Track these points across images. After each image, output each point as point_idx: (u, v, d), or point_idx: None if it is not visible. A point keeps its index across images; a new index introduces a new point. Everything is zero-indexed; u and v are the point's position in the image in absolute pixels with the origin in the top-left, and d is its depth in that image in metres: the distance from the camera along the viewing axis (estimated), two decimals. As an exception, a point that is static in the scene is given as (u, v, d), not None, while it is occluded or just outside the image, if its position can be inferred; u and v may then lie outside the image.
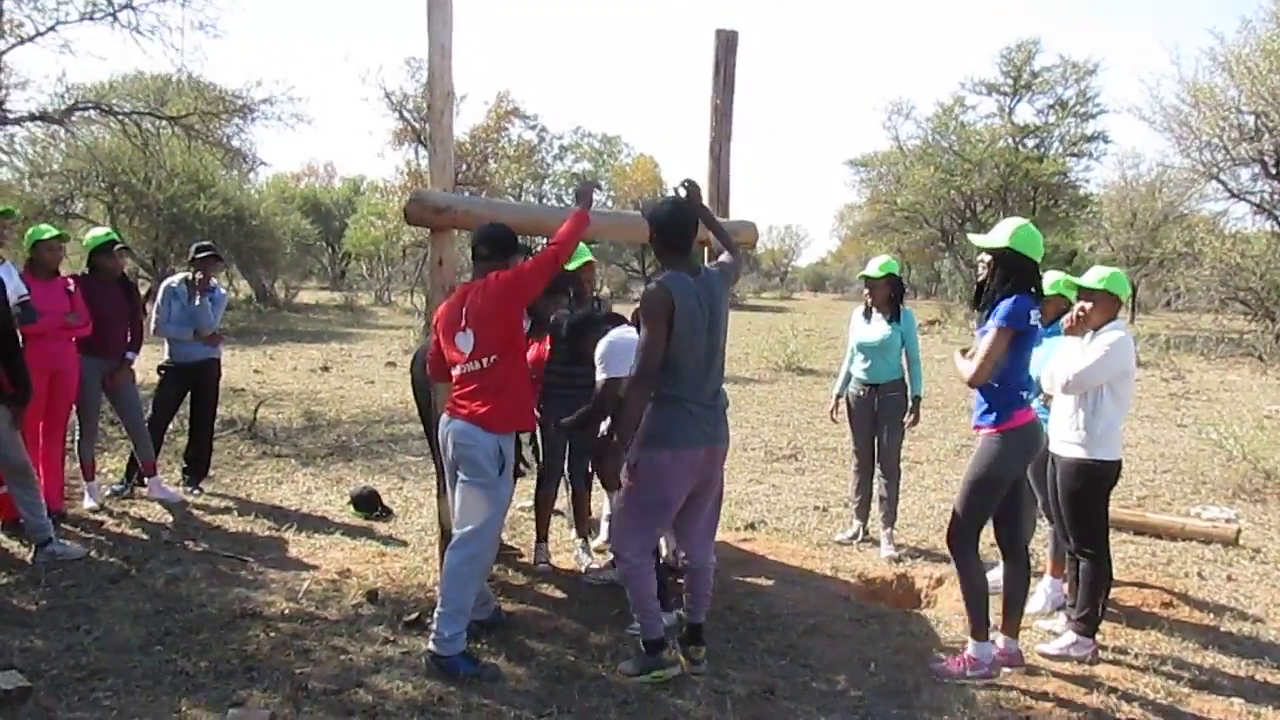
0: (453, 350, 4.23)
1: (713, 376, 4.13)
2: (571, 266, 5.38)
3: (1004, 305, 4.11)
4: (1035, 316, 4.16)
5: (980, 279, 4.33)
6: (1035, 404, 5.10)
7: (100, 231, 6.78)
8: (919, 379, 6.23)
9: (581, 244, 5.47)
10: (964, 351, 4.33)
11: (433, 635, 4.14)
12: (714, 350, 4.11)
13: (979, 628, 4.30)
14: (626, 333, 4.77)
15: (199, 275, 6.96)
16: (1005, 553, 4.49)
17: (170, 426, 7.36)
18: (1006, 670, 4.35)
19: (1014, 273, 4.17)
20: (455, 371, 4.24)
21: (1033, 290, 4.20)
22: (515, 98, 33.91)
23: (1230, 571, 5.97)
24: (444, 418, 4.30)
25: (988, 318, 4.19)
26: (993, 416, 4.20)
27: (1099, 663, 4.50)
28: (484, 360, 4.16)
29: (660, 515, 4.12)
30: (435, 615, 4.15)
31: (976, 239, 4.42)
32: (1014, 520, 4.48)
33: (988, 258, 4.29)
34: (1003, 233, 4.25)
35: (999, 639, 4.43)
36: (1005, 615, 4.46)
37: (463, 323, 4.18)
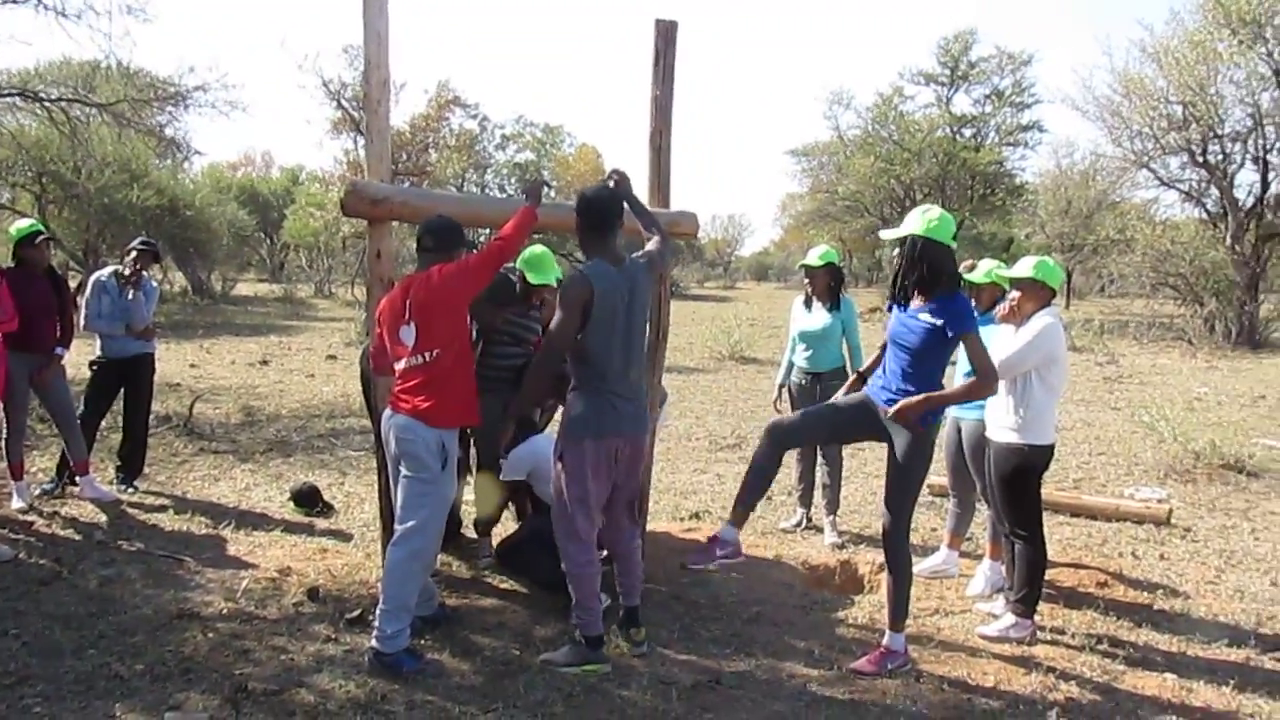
0: (396, 344, 4.18)
1: (634, 367, 4.18)
2: (536, 282, 5.31)
3: (959, 310, 4.07)
4: None
5: (897, 270, 4.31)
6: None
7: (25, 223, 6.57)
8: (860, 366, 6.27)
9: (553, 263, 5.41)
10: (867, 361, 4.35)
11: (375, 632, 4.08)
12: (634, 339, 4.15)
13: (899, 619, 4.31)
14: (538, 442, 5.05)
15: (132, 268, 6.79)
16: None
17: (103, 423, 7.19)
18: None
19: (933, 260, 4.13)
20: (399, 366, 4.19)
21: (952, 275, 4.20)
22: (456, 86, 33.42)
23: (1163, 551, 6.12)
24: (386, 412, 4.25)
25: (928, 309, 4.14)
26: (931, 415, 4.19)
27: (1037, 643, 4.59)
28: (427, 354, 4.11)
29: (588, 505, 4.13)
30: (378, 612, 4.10)
31: (887, 233, 4.40)
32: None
33: (896, 250, 4.29)
34: (914, 222, 4.19)
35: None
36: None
37: (406, 316, 4.13)
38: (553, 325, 4.02)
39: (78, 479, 6.60)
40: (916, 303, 4.19)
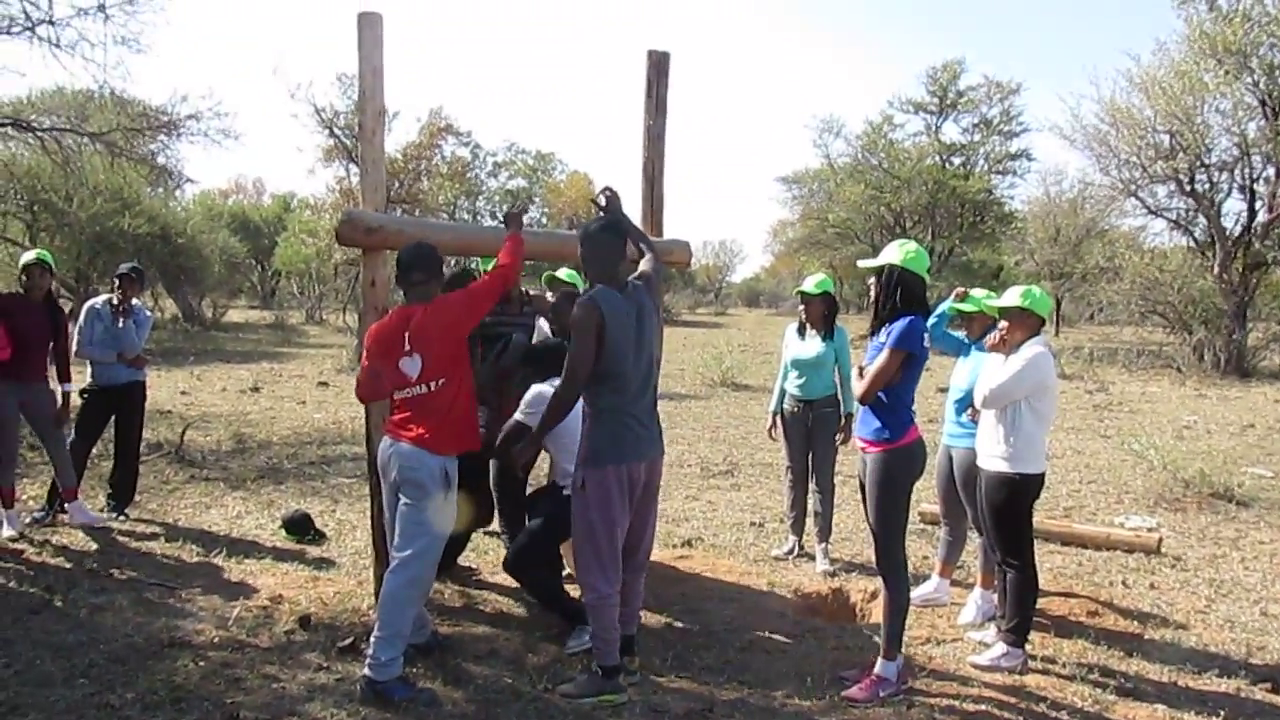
0: (396, 375, 4.19)
1: (649, 391, 4.20)
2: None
3: (898, 327, 4.21)
4: (928, 338, 4.31)
5: (874, 298, 4.43)
6: (964, 419, 5.22)
7: (31, 254, 6.62)
8: (851, 396, 6.31)
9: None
10: (861, 370, 4.41)
11: (368, 660, 4.07)
12: (648, 364, 4.18)
13: (892, 646, 4.33)
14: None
15: (119, 296, 6.82)
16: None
17: (94, 451, 7.17)
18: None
19: (905, 288, 4.30)
20: (400, 395, 4.20)
21: (920, 303, 4.34)
22: (448, 114, 33.67)
23: (1153, 579, 6.13)
24: (385, 440, 4.26)
25: (885, 335, 4.28)
26: (885, 434, 4.29)
27: (1029, 672, 4.59)
28: (432, 384, 4.13)
29: (613, 533, 4.13)
30: (371, 640, 4.09)
31: (865, 262, 4.55)
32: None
33: (873, 278, 4.43)
34: (892, 253, 4.39)
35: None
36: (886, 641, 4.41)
37: (407, 346, 4.14)
38: (570, 355, 4.04)
39: (68, 507, 6.58)
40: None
